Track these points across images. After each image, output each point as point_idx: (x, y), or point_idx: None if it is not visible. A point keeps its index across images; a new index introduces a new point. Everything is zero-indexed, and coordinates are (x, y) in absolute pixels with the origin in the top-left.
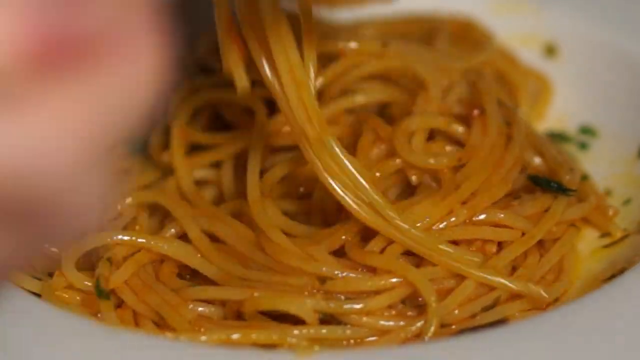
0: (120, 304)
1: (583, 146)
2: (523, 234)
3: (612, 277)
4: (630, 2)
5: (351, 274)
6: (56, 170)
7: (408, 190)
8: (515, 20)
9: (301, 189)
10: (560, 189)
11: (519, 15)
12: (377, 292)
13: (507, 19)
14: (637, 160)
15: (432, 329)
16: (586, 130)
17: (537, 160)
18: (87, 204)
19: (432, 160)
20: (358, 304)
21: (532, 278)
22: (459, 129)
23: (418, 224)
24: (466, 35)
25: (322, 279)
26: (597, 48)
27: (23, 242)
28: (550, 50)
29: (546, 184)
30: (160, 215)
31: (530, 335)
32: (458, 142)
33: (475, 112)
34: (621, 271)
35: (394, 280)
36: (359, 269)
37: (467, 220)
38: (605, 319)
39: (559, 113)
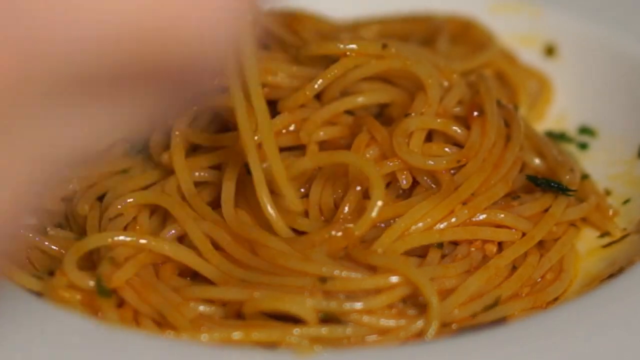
0: (121, 304)
1: (583, 146)
2: (523, 234)
3: (611, 276)
4: (629, 2)
5: (351, 273)
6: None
7: (408, 191)
8: (515, 20)
9: (302, 190)
10: (560, 189)
11: (519, 15)
12: (377, 291)
13: (507, 19)
14: (637, 160)
15: (434, 329)
16: (586, 130)
17: (537, 160)
18: (215, 59)
19: (431, 162)
20: (358, 303)
21: (533, 277)
22: (458, 130)
23: (419, 224)
24: (466, 35)
25: (323, 279)
26: (597, 48)
27: (164, 96)
28: (550, 50)
29: (546, 184)
30: (161, 216)
31: (530, 335)
32: (457, 143)
33: (475, 113)
34: (620, 271)
35: (394, 279)
36: (359, 269)
37: (468, 221)
38: (604, 319)
39: (559, 113)
